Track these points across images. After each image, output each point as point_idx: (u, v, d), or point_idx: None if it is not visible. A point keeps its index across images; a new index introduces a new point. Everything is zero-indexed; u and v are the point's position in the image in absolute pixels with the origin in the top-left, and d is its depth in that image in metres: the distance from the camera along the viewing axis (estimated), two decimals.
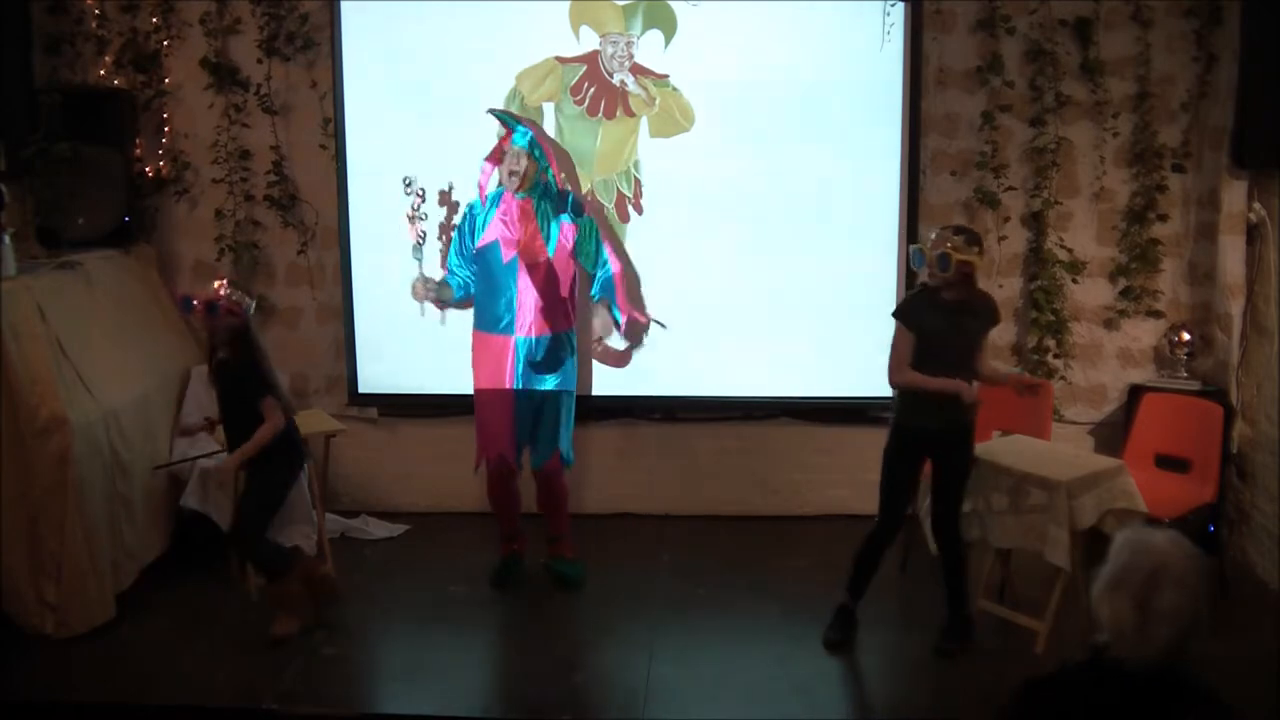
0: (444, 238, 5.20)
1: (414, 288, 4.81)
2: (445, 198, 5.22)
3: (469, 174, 5.44)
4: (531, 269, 4.73)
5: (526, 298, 4.75)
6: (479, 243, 4.81)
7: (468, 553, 5.28)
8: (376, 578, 5.10)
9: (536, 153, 4.77)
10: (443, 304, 4.98)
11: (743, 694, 4.10)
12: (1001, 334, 5.61)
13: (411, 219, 4.80)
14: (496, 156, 4.86)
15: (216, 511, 4.99)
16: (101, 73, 5.58)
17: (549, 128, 5.43)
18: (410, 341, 5.58)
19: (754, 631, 4.58)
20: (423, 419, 5.78)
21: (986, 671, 4.21)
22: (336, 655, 4.38)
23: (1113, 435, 5.45)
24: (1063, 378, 5.53)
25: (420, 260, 4.81)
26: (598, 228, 4.94)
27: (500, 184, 4.82)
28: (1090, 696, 2.18)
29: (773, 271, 5.47)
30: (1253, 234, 5.20)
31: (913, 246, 4.29)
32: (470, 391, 4.93)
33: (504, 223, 4.77)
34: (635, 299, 5.34)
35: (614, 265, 4.95)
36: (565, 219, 4.79)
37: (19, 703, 4.02)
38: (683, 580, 5.01)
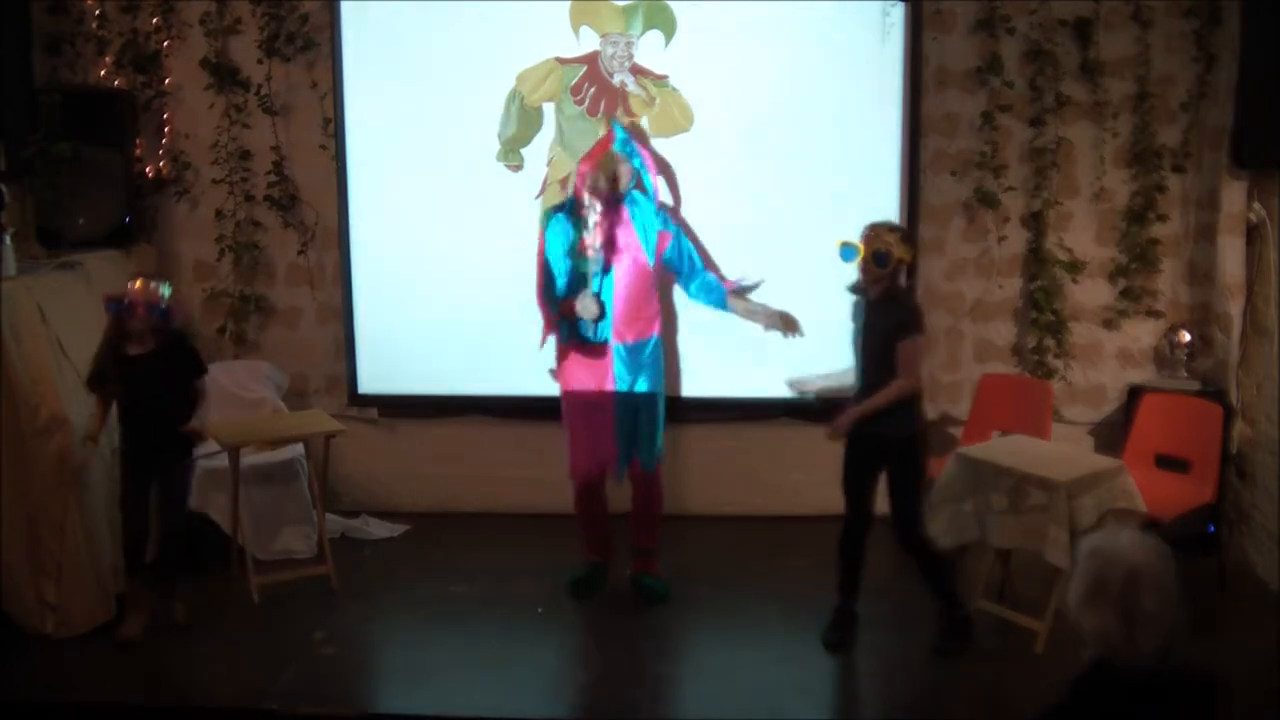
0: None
1: (586, 305, 4.61)
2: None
3: (469, 174, 5.47)
4: (628, 274, 4.67)
5: (622, 303, 4.68)
6: (579, 246, 4.69)
7: (468, 553, 5.29)
8: (376, 578, 5.10)
9: (636, 161, 4.76)
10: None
11: (743, 694, 4.10)
12: (1001, 334, 5.62)
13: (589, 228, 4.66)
14: (593, 159, 4.77)
15: (216, 511, 5.00)
16: (101, 73, 5.58)
17: (549, 127, 5.44)
18: (410, 342, 5.59)
19: (754, 631, 4.58)
20: (423, 419, 5.78)
21: (986, 671, 4.21)
22: (336, 655, 4.39)
23: (1113, 435, 5.44)
24: (1063, 378, 5.52)
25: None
26: (685, 235, 4.90)
27: (595, 188, 4.66)
28: (1103, 706, 2.17)
29: (773, 271, 5.45)
30: (1252, 234, 5.20)
31: (841, 243, 4.25)
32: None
33: (600, 229, 4.66)
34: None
35: (714, 273, 4.89)
36: (659, 226, 4.76)
37: (19, 703, 4.02)
38: (683, 580, 5.01)
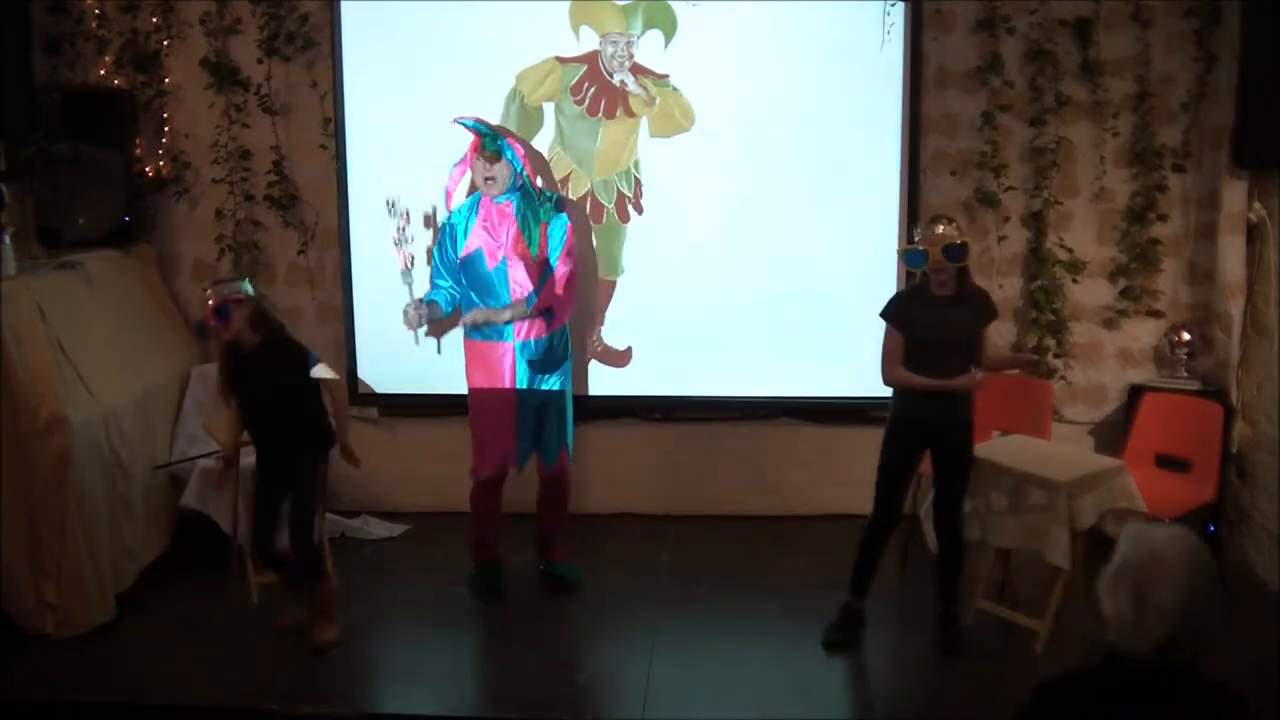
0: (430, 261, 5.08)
1: (406, 315, 4.76)
2: (430, 221, 5.14)
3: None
4: (515, 270, 4.68)
5: (513, 299, 4.69)
6: (462, 252, 4.75)
7: (468, 552, 5.27)
8: (376, 578, 5.10)
9: (509, 155, 4.70)
10: (437, 329, 4.98)
11: (743, 694, 4.10)
12: (1001, 334, 5.62)
13: (398, 243, 4.79)
14: (468, 162, 4.78)
15: (216, 511, 4.99)
16: (101, 73, 5.58)
17: (549, 127, 5.44)
18: (410, 342, 5.57)
19: (754, 631, 4.58)
20: (423, 419, 5.78)
21: (986, 671, 4.21)
22: (336, 655, 4.38)
23: (1113, 435, 5.44)
24: (1063, 378, 5.52)
25: (410, 285, 4.79)
26: (567, 230, 4.77)
27: (474, 190, 4.77)
28: (1100, 697, 2.18)
29: (772, 271, 5.47)
30: (1253, 234, 5.20)
31: (905, 249, 4.22)
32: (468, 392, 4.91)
33: (486, 229, 4.71)
34: (583, 311, 5.24)
35: (561, 267, 4.75)
36: (543, 218, 4.72)
37: (19, 703, 4.02)
38: (683, 580, 5.01)
